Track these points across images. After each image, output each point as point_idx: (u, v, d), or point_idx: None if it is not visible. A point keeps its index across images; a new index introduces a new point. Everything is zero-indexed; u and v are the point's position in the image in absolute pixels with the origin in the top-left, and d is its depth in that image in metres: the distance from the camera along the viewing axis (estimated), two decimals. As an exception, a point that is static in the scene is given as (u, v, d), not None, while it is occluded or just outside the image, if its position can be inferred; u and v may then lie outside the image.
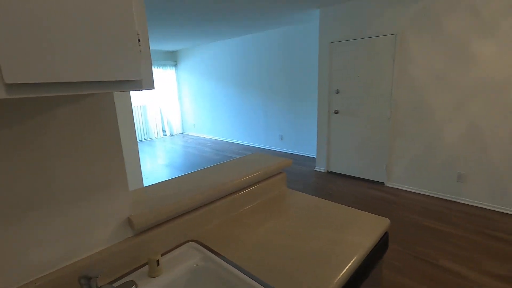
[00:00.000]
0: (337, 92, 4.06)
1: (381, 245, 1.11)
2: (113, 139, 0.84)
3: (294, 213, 1.24)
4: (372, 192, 3.56)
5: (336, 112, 4.12)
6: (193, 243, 1.03)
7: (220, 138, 7.35)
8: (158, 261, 0.84)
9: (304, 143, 5.44)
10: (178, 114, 8.51)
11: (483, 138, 2.98)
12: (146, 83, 0.62)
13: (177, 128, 8.54)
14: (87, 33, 0.51)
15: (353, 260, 0.91)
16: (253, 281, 0.81)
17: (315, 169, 4.55)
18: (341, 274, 0.85)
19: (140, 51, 0.59)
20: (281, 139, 5.83)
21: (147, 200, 1.03)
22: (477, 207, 3.08)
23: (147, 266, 0.90)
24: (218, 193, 1.16)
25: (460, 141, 3.13)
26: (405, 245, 2.43)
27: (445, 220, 2.83)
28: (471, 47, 2.92)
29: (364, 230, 1.09)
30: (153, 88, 0.64)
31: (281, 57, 5.45)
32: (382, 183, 3.84)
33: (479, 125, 2.99)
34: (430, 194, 3.43)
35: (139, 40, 0.59)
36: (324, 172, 4.43)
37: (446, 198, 3.31)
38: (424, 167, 3.44)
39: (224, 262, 0.90)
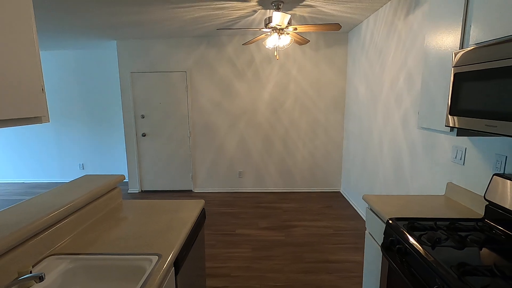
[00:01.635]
0: (143, 117, 4.49)
1: (202, 216, 1.75)
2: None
3: (133, 213, 1.63)
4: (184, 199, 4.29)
5: (144, 135, 4.53)
6: (52, 256, 1.19)
7: (-17, 179, 5.51)
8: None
9: (111, 168, 5.34)
10: None
11: (248, 145, 4.49)
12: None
13: None
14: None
15: (187, 226, 1.48)
16: (122, 256, 1.18)
17: (128, 191, 4.68)
18: (182, 235, 1.39)
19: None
20: (82, 168, 5.36)
21: None
22: (251, 192, 4.57)
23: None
24: (64, 213, 1.35)
25: (236, 149, 4.51)
26: (214, 229, 3.28)
27: (234, 205, 4.02)
28: (234, 85, 4.35)
29: (189, 209, 1.68)
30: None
31: (77, 80, 5.09)
32: (190, 191, 4.66)
33: (245, 137, 4.48)
34: (223, 190, 4.62)
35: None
36: (139, 192, 4.67)
37: (233, 191, 4.61)
38: (217, 171, 4.59)
39: (92, 255, 1.18)
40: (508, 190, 1.35)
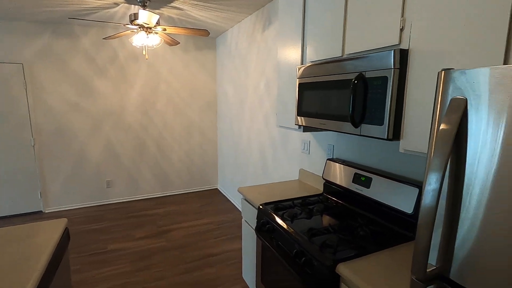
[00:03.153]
0: (-49, 121, 3.26)
1: (65, 238, 1.50)
2: None
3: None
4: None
5: (-45, 145, 3.30)
6: None
7: None
8: None
9: None
10: None
11: (116, 149, 4.05)
12: None
13: None
14: None
15: (47, 252, 1.24)
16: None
17: None
18: (41, 264, 1.16)
19: None
20: None
21: None
22: (122, 202, 4.16)
23: None
24: None
25: (102, 155, 3.98)
26: (78, 250, 2.81)
27: (103, 219, 3.56)
28: (94, 83, 3.80)
29: (48, 232, 1.41)
30: None
31: None
32: (40, 212, 3.76)
33: (112, 141, 4.01)
34: (87, 205, 3.99)
35: None
36: (-50, 224, 3.37)
37: (100, 203, 4.06)
38: (78, 182, 3.91)
39: None
40: (336, 170, 1.86)
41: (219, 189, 4.70)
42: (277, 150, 2.85)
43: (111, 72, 3.87)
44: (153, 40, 2.71)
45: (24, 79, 3.49)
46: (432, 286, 0.66)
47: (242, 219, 2.12)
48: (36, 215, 3.66)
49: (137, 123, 4.12)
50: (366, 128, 1.25)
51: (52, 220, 1.54)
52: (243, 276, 2.26)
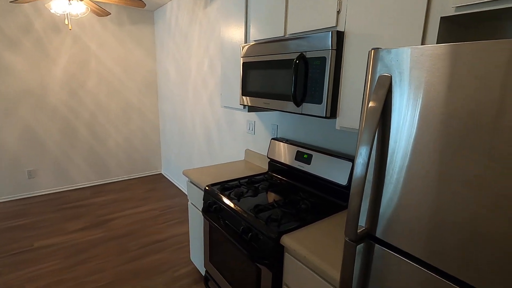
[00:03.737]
0: None
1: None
2: None
3: None
4: None
5: None
6: None
7: None
8: None
9: None
10: None
11: (39, 135, 3.55)
12: None
13: None
14: None
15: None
16: None
17: None
18: None
19: None
20: None
21: None
22: (51, 193, 3.71)
23: None
24: None
25: (20, 143, 3.45)
26: (0, 251, 2.45)
27: (27, 214, 3.14)
28: (4, 58, 3.20)
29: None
30: None
31: None
32: None
33: (32, 126, 3.49)
34: (6, 200, 3.47)
35: None
36: None
37: (22, 197, 3.56)
38: (-9, 175, 3.35)
39: None
40: (280, 148, 1.92)
41: (164, 174, 4.51)
42: (222, 131, 2.82)
43: (26, 45, 3.30)
44: (77, 8, 2.37)
45: None
46: (361, 244, 0.74)
47: (188, 202, 2.08)
48: None
49: (64, 105, 3.64)
50: (307, 107, 1.31)
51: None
52: (191, 259, 2.25)
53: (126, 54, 3.96)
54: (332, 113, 1.27)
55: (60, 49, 3.50)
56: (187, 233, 2.82)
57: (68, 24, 3.53)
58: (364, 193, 0.76)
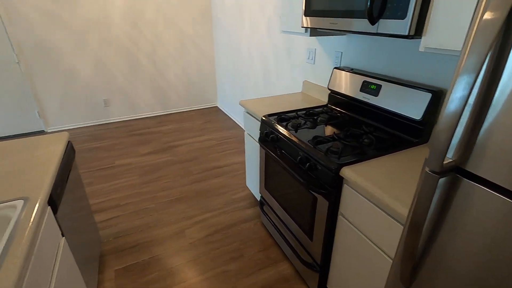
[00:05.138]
0: None
1: (70, 150, 1.50)
2: None
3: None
4: (36, 142, 3.48)
5: None
6: None
7: None
8: None
9: None
10: None
11: (109, 68, 3.82)
12: None
13: None
14: None
15: (54, 161, 1.25)
16: None
17: None
18: (51, 172, 1.18)
19: None
20: None
21: None
22: (122, 121, 4.15)
23: None
24: None
25: (95, 73, 3.78)
26: (86, 166, 2.93)
27: (104, 137, 3.61)
28: (68, -12, 3.31)
29: (50, 144, 1.40)
30: None
31: None
32: (42, 131, 3.79)
33: (102, 58, 3.75)
34: (87, 124, 4.00)
35: None
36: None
37: (100, 123, 4.06)
38: (73, 102, 3.82)
39: None
40: (343, 79, 1.75)
41: (219, 107, 4.64)
42: (279, 61, 2.66)
43: (86, -27, 3.33)
44: None
45: (-13, -18, 3.01)
46: (443, 178, 0.65)
47: (245, 133, 2.12)
48: (40, 134, 3.70)
49: (126, 37, 3.77)
50: (385, 24, 1.10)
51: (53, 133, 1.52)
52: (247, 185, 2.40)
53: (179, -22, 3.76)
54: (418, 31, 1.05)
55: (117, -24, 3.46)
56: (243, 162, 2.98)
57: None
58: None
